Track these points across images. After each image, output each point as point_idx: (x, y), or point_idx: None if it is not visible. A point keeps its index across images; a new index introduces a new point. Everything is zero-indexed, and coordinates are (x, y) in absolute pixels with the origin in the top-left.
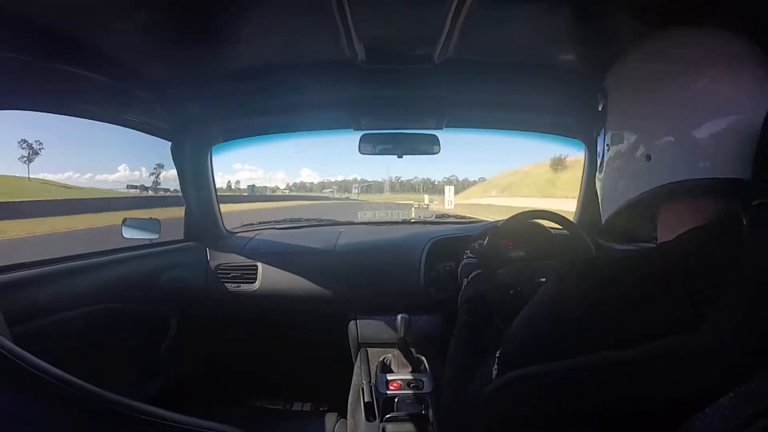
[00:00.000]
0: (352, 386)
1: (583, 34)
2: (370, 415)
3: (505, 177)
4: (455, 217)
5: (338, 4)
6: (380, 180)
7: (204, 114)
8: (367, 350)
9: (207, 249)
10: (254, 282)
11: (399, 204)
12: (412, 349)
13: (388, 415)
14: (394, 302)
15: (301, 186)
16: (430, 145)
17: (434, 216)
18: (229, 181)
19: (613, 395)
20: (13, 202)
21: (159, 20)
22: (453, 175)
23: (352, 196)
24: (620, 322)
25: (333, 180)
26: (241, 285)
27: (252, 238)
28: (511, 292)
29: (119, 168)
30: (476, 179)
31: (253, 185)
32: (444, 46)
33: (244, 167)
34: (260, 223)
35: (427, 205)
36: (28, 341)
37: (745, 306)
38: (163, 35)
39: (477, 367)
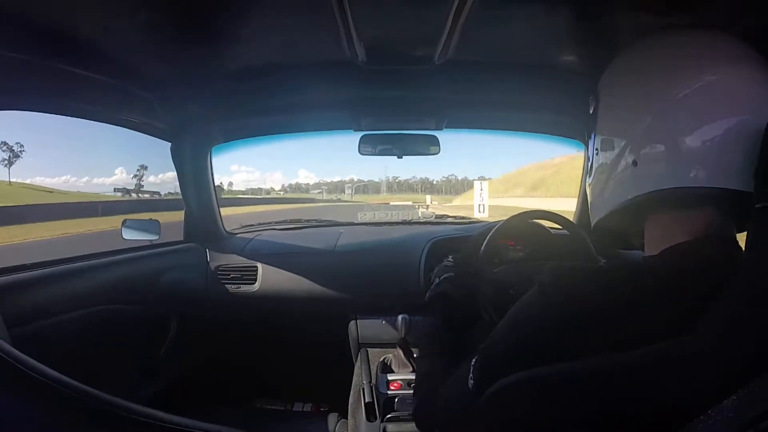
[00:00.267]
0: (352, 386)
1: (583, 34)
2: (370, 416)
3: (534, 171)
4: (455, 217)
5: (338, 5)
6: (377, 180)
7: (204, 114)
8: (367, 350)
9: (207, 250)
10: (254, 283)
11: (403, 206)
12: (413, 350)
13: (388, 415)
14: (394, 302)
15: (297, 187)
16: (429, 146)
17: (434, 216)
18: (220, 183)
19: (611, 399)
20: None
21: (159, 20)
22: (452, 174)
23: (345, 197)
24: (605, 330)
25: (328, 180)
26: (241, 286)
27: (252, 239)
28: (511, 291)
29: (116, 171)
30: (476, 178)
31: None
32: (444, 47)
33: (241, 169)
34: (260, 224)
35: (428, 206)
36: (27, 343)
37: (745, 308)
38: (163, 35)
39: (446, 371)
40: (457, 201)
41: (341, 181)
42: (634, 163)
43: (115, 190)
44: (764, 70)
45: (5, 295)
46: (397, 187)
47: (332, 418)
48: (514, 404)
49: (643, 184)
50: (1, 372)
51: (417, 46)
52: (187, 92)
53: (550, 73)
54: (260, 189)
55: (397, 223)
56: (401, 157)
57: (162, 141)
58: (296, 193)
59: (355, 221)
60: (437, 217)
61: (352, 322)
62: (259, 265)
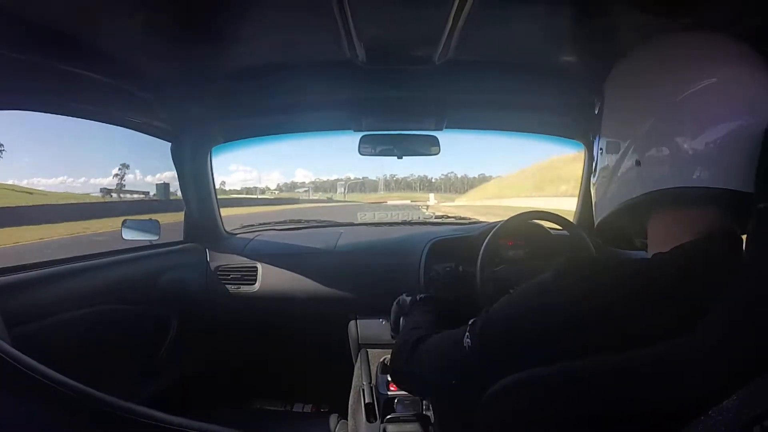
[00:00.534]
0: (352, 387)
1: (584, 34)
2: (370, 416)
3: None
4: (455, 218)
5: (338, 5)
6: (373, 178)
7: (204, 114)
8: (367, 351)
9: (207, 250)
10: (254, 283)
11: (404, 205)
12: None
13: (388, 416)
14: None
15: (292, 186)
16: (430, 146)
17: (434, 216)
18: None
19: (611, 399)
20: None
21: (159, 20)
22: (451, 172)
23: (338, 197)
24: (615, 327)
25: (315, 179)
26: (241, 286)
27: (252, 239)
28: (511, 291)
29: (113, 171)
30: (476, 176)
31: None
32: (444, 47)
33: (239, 168)
34: (260, 224)
35: (428, 206)
36: (27, 343)
37: (745, 309)
38: (163, 35)
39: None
40: (462, 200)
41: (335, 179)
42: (638, 162)
43: (100, 191)
44: (767, 71)
45: (5, 294)
46: (395, 185)
47: (332, 418)
48: (515, 404)
49: (646, 184)
50: (2, 372)
51: (417, 46)
52: (187, 92)
53: (551, 73)
54: (255, 188)
55: (397, 224)
56: (401, 158)
57: (159, 140)
58: (284, 193)
59: (355, 221)
60: (437, 217)
61: (352, 323)
62: (259, 266)
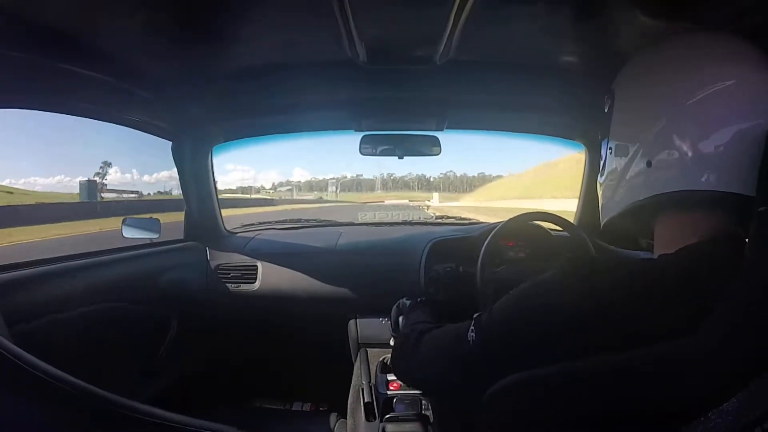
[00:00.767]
0: (351, 386)
1: (584, 35)
2: (369, 416)
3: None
4: (455, 218)
5: (339, 5)
6: (371, 177)
7: (205, 114)
8: (367, 350)
9: (207, 249)
10: (254, 282)
11: (405, 205)
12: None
13: (387, 416)
14: (394, 303)
15: (287, 185)
16: (431, 147)
17: (434, 217)
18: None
19: (611, 399)
20: None
21: (160, 20)
22: (450, 171)
23: (329, 197)
24: (617, 327)
25: (311, 178)
26: (242, 285)
27: (252, 238)
28: (511, 291)
29: (110, 171)
30: (475, 175)
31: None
32: (445, 47)
33: (236, 168)
34: (260, 223)
35: (428, 206)
36: (27, 341)
37: (746, 311)
38: (164, 35)
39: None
40: (468, 200)
41: (328, 178)
42: (648, 164)
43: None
44: None
45: (5, 292)
46: (393, 184)
47: (331, 417)
48: (515, 404)
49: (655, 186)
50: (2, 369)
51: (418, 46)
52: (188, 92)
53: (552, 73)
54: (250, 187)
55: (398, 224)
56: (402, 158)
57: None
58: (257, 194)
59: (356, 221)
60: (437, 217)
61: (352, 322)
62: (260, 265)
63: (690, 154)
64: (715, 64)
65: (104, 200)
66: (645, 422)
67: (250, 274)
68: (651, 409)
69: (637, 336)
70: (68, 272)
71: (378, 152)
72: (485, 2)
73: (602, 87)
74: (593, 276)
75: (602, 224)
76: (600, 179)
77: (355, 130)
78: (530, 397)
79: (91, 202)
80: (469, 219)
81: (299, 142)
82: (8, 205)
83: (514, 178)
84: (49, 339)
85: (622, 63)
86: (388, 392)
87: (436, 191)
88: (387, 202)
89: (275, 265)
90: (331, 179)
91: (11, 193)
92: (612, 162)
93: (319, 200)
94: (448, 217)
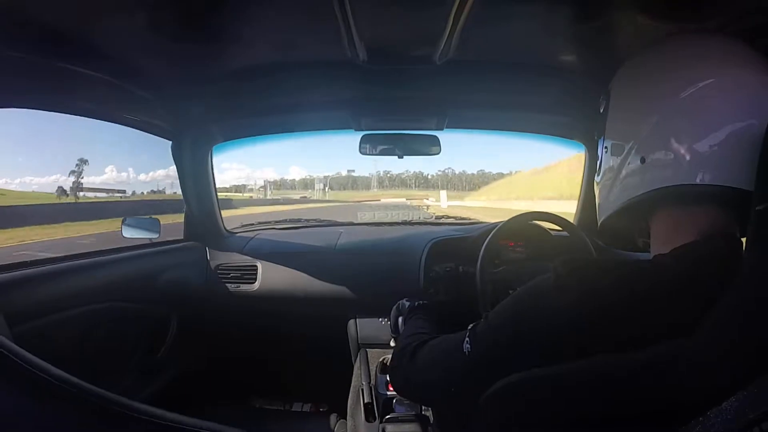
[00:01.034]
0: (351, 387)
1: (584, 34)
2: (369, 416)
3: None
4: (455, 218)
5: (339, 4)
6: (366, 175)
7: (204, 114)
8: (366, 351)
9: (207, 249)
10: (254, 282)
11: (405, 205)
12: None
13: (387, 416)
14: (394, 303)
15: (282, 184)
16: (430, 146)
17: (434, 217)
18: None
19: (611, 399)
20: None
21: (160, 19)
22: (449, 168)
23: (315, 196)
24: (618, 327)
25: (292, 177)
26: (241, 285)
27: (252, 238)
28: (511, 291)
29: (106, 170)
30: (475, 172)
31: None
32: (445, 47)
33: (232, 166)
34: (260, 223)
35: (428, 206)
36: (28, 341)
37: (745, 310)
38: (163, 34)
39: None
40: (470, 199)
41: (310, 177)
42: (642, 160)
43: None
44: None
45: (6, 292)
46: (389, 182)
47: (331, 418)
48: (514, 405)
49: (650, 182)
50: (3, 369)
51: (418, 45)
52: (188, 92)
53: (552, 73)
54: (243, 186)
55: (398, 224)
56: (402, 157)
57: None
58: (282, 190)
59: (355, 221)
60: (437, 217)
61: (352, 322)
62: (259, 265)
63: (684, 149)
64: (709, 62)
65: (79, 201)
66: (644, 422)
67: (249, 274)
68: (650, 409)
69: (638, 336)
70: (69, 272)
71: (378, 152)
72: (485, 2)
73: (602, 87)
74: (590, 278)
75: (599, 223)
76: (597, 179)
77: (355, 130)
78: (530, 397)
79: (55, 204)
80: (469, 219)
81: (296, 144)
82: None
83: (536, 173)
84: (50, 338)
85: (622, 63)
86: (388, 393)
87: (434, 189)
88: (383, 200)
89: (275, 265)
90: (318, 177)
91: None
92: (608, 161)
93: (303, 200)
94: (448, 217)
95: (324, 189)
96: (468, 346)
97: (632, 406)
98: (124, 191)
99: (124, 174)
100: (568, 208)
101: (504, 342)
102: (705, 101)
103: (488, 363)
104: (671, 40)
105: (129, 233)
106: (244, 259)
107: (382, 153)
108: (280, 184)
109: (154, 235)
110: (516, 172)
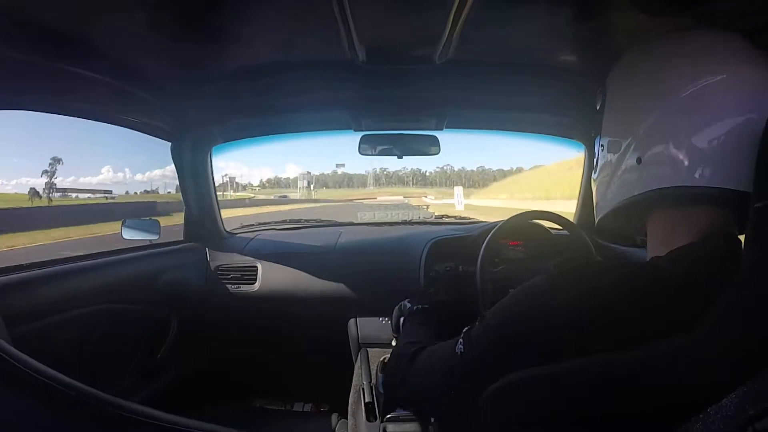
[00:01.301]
0: (352, 386)
1: (584, 34)
2: (370, 415)
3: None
4: (455, 217)
5: (339, 5)
6: (362, 172)
7: (204, 114)
8: (367, 350)
9: (207, 249)
10: (254, 283)
11: (406, 205)
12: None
13: (388, 416)
14: (394, 302)
15: (276, 182)
16: (430, 146)
17: (434, 216)
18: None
19: (610, 398)
20: None
21: (159, 20)
22: (447, 164)
23: (298, 195)
24: (618, 326)
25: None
26: (241, 286)
27: (252, 238)
28: (511, 291)
29: (102, 170)
30: (474, 169)
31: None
32: (445, 47)
33: (229, 165)
34: (260, 223)
35: (427, 206)
36: (28, 343)
37: (744, 308)
38: (163, 35)
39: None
40: (476, 198)
41: (307, 173)
42: (639, 160)
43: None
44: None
45: (5, 294)
46: (386, 179)
47: (332, 418)
48: (515, 403)
49: (647, 183)
50: (2, 371)
51: (417, 46)
52: (187, 92)
53: (551, 73)
54: (237, 184)
55: (397, 223)
56: (401, 157)
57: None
58: (275, 189)
59: (355, 221)
60: (437, 217)
61: (352, 322)
62: (259, 265)
63: (682, 149)
64: (708, 59)
65: (51, 204)
66: (645, 420)
67: (249, 274)
68: (651, 407)
69: (638, 334)
70: (69, 274)
71: (377, 152)
72: (484, 2)
73: (601, 86)
74: (587, 278)
75: (596, 222)
76: (594, 177)
77: (355, 130)
78: (530, 396)
79: (20, 209)
80: (469, 218)
81: (294, 144)
82: None
83: (561, 166)
84: (50, 340)
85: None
86: None
87: (432, 186)
88: (380, 198)
89: (275, 266)
90: (302, 173)
91: None
92: (605, 159)
93: (284, 200)
94: (448, 216)
95: (309, 187)
96: (461, 347)
97: (632, 404)
98: (109, 191)
99: (120, 174)
100: None
101: (501, 341)
102: (707, 99)
103: (485, 363)
104: (671, 38)
105: (129, 235)
106: (244, 260)
107: (382, 153)
108: (246, 185)
109: (153, 237)
110: (517, 168)
